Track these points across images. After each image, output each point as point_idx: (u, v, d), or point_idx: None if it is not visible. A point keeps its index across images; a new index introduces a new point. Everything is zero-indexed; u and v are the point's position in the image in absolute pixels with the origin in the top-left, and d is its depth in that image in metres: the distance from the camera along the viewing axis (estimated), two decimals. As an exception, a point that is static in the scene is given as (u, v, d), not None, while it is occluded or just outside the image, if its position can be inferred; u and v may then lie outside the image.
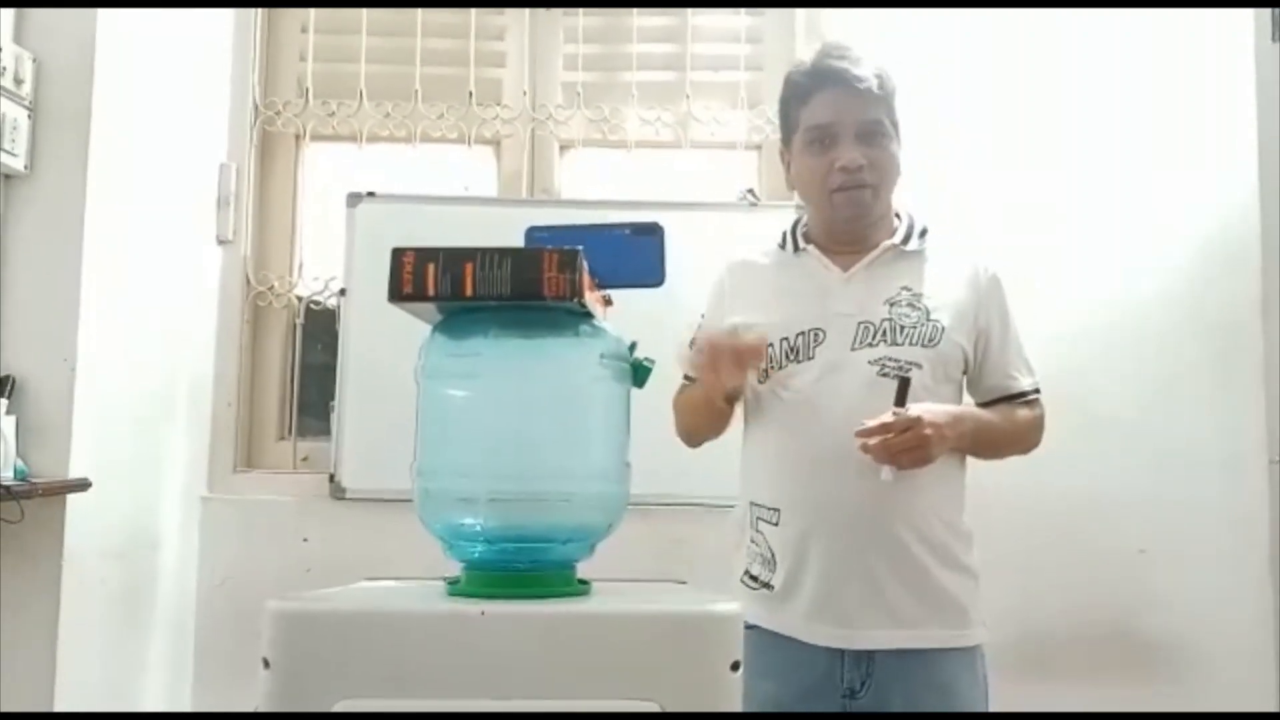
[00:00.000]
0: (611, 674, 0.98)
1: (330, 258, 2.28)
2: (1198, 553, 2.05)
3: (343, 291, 2.22)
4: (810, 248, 1.53)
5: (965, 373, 1.50)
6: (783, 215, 2.19)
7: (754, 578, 1.48)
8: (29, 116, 1.76)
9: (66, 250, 1.76)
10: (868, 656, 1.41)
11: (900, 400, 1.36)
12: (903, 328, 1.45)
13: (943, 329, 1.46)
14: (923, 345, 1.45)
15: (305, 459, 2.28)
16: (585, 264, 1.13)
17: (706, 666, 0.99)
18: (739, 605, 1.08)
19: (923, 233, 1.53)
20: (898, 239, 1.51)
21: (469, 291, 1.12)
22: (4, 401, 1.67)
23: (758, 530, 1.48)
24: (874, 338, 1.45)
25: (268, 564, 2.13)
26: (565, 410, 1.17)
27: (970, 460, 1.53)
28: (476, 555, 1.13)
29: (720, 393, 1.40)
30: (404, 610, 1.05)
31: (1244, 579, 2.06)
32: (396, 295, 1.14)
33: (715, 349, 1.39)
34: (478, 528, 1.15)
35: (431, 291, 1.13)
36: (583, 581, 1.21)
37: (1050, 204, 2.18)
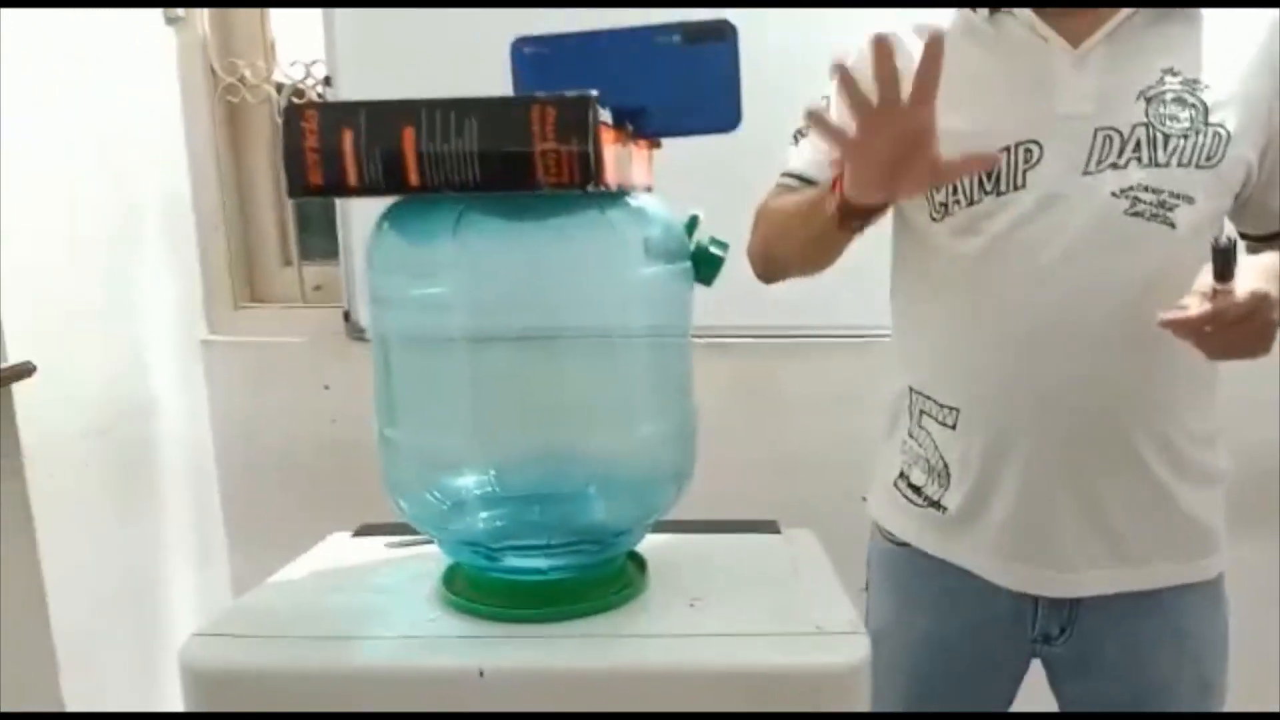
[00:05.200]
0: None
1: (309, 35, 1.78)
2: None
3: (328, 80, 1.75)
4: (1018, 10, 0.99)
5: (1237, 196, 1.00)
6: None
7: (915, 488, 1.09)
8: None
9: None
10: (1073, 599, 1.05)
11: (1223, 274, 0.84)
12: (1167, 137, 0.94)
13: (1226, 138, 0.95)
14: (1198, 165, 0.95)
15: (318, 288, 1.93)
16: (602, 117, 0.67)
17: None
18: (865, 647, 0.72)
19: None
20: None
21: (413, 180, 0.68)
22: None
23: (921, 425, 1.07)
24: (1121, 154, 0.95)
25: (287, 415, 1.86)
26: (598, 343, 0.76)
27: None
28: (481, 560, 0.78)
29: (870, 194, 0.87)
30: (357, 669, 0.73)
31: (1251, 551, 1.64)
32: (299, 189, 0.70)
33: (874, 121, 0.82)
34: (479, 525, 0.79)
35: (353, 181, 0.69)
36: (633, 556, 0.87)
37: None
